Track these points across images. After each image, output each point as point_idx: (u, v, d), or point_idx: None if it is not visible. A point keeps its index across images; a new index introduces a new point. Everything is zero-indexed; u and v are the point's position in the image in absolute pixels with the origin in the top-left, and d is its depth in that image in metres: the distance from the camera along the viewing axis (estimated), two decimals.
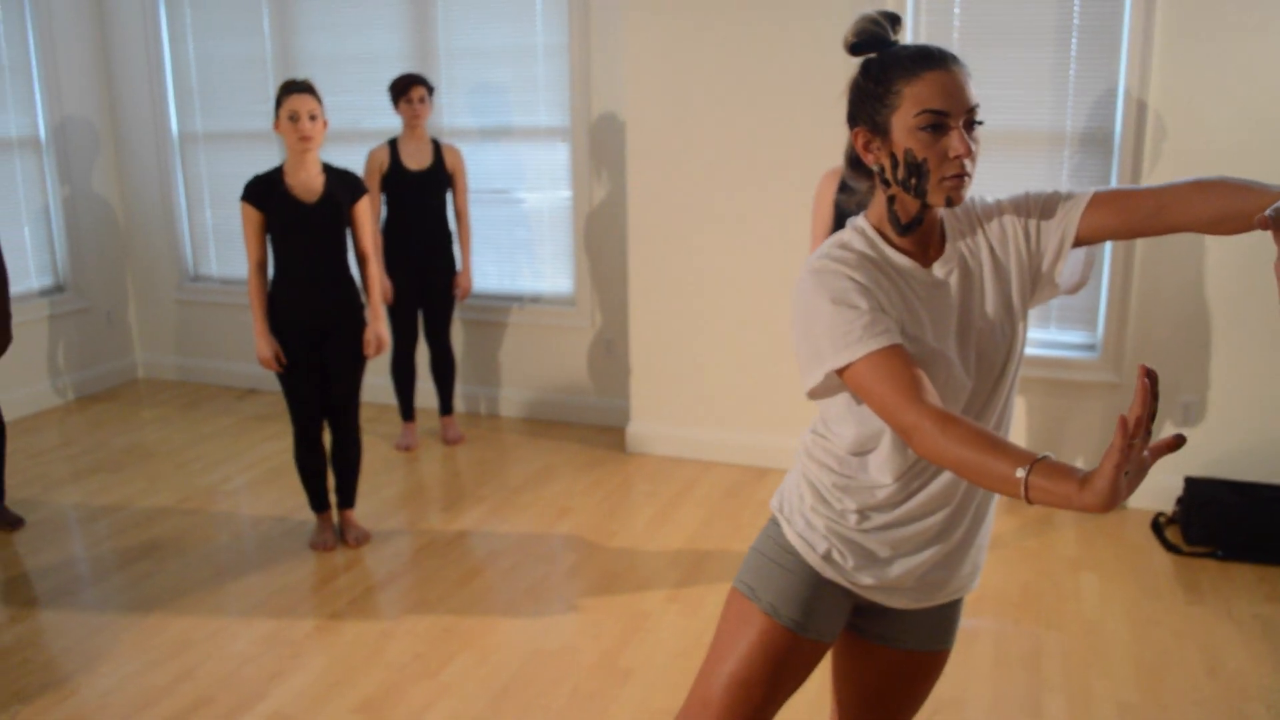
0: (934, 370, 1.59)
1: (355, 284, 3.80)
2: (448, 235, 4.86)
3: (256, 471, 4.73)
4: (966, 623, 3.33)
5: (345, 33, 5.41)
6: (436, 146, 4.77)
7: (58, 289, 5.82)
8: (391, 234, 4.77)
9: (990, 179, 4.19)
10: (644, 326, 4.77)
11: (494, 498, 4.42)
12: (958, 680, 3.00)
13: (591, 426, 5.28)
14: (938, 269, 1.64)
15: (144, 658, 3.21)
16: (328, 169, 3.69)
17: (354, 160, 4.78)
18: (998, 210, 1.69)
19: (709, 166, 4.49)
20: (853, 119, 1.64)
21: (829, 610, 1.74)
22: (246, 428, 5.35)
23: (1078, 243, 1.62)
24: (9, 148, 5.51)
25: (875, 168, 1.62)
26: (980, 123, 1.57)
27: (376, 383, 5.64)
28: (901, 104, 1.55)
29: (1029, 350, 4.23)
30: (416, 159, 4.72)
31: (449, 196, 4.86)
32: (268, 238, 3.66)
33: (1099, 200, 1.60)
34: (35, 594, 3.66)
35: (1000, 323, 1.65)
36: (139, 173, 6.03)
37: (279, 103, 3.56)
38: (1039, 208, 1.67)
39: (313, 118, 3.56)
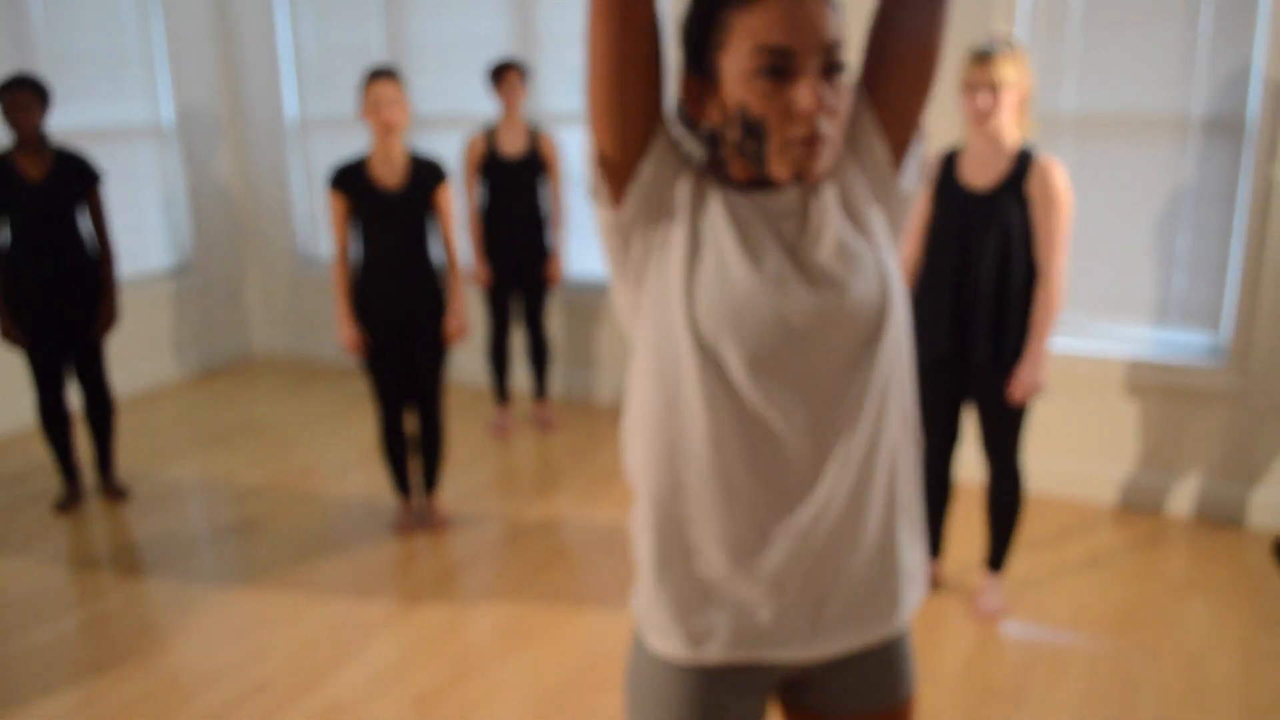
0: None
1: (438, 271, 3.80)
2: (542, 221, 4.83)
3: (352, 452, 4.82)
4: (1056, 637, 3.12)
5: (451, 17, 5.44)
6: (533, 134, 4.74)
7: (182, 269, 6.05)
8: (489, 220, 4.78)
9: (1107, 166, 3.90)
10: None
11: (583, 485, 4.38)
12: (1040, 710, 2.81)
13: None
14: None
15: (215, 636, 3.30)
16: (413, 157, 3.69)
17: (460, 145, 4.80)
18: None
19: None
20: (682, 62, 1.28)
21: (734, 709, 1.37)
22: (350, 406, 5.46)
23: (888, 123, 1.30)
24: (137, 135, 5.74)
25: (705, 130, 1.28)
26: (841, 68, 1.20)
27: (475, 366, 5.68)
28: (732, 39, 1.19)
29: (1143, 351, 3.93)
30: (513, 145, 4.70)
31: (544, 183, 4.83)
32: (353, 225, 3.70)
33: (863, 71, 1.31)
34: (128, 565, 3.81)
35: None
36: (258, 158, 6.21)
37: (363, 90, 3.58)
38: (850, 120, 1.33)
39: (394, 105, 3.56)
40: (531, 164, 4.73)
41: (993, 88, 2.88)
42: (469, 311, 5.54)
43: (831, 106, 1.19)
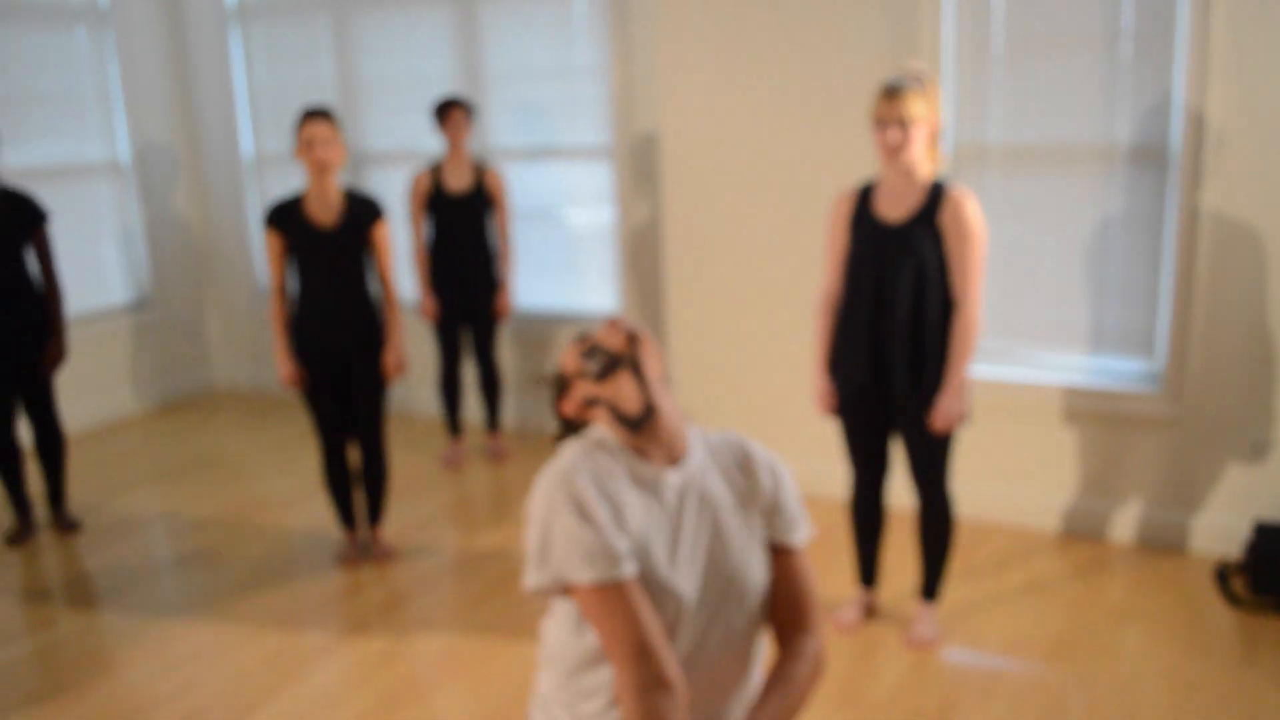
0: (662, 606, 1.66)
1: (376, 306, 3.84)
2: (490, 255, 4.88)
3: (304, 484, 4.83)
4: (989, 663, 3.15)
5: (399, 56, 5.51)
6: (478, 169, 4.80)
7: (140, 304, 6.08)
8: (436, 254, 4.83)
9: (1035, 196, 3.98)
10: (681, 344, 4.69)
11: (525, 517, 4.40)
12: None
13: None
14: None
15: (155, 666, 3.31)
16: (348, 194, 3.75)
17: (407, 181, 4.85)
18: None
19: (745, 183, 4.39)
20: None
21: None
22: (307, 439, 5.47)
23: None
24: (94, 172, 5.79)
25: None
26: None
27: (428, 398, 5.72)
28: None
29: (1079, 379, 3.99)
30: (458, 181, 4.76)
31: (490, 217, 4.88)
32: (290, 261, 3.74)
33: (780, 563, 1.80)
34: (77, 596, 3.82)
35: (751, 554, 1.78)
36: (216, 194, 6.26)
37: (297, 130, 3.63)
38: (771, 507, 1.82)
39: (327, 144, 3.61)
40: (477, 199, 4.79)
41: (902, 123, 2.94)
42: (419, 345, 5.58)
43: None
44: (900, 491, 4.11)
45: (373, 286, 3.85)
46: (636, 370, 1.70)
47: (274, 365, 6.16)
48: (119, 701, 3.12)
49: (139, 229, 6.02)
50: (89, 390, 5.74)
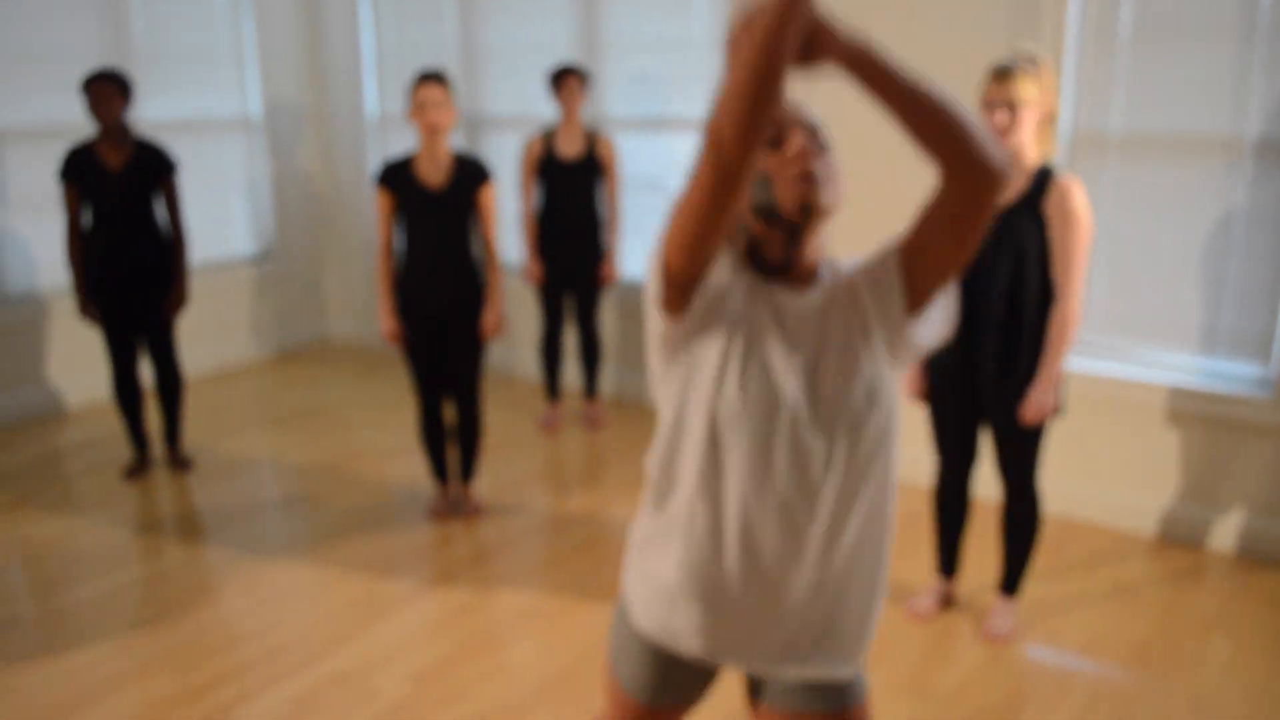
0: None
1: (478, 267, 3.93)
2: (597, 223, 4.93)
3: (403, 438, 4.99)
4: (1064, 663, 3.08)
5: (519, 21, 5.58)
6: (590, 137, 4.84)
7: (264, 256, 6.34)
8: (544, 219, 4.90)
9: (1156, 187, 3.82)
10: None
11: (617, 482, 4.47)
12: None
13: None
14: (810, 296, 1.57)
15: (247, 601, 3.49)
16: (458, 157, 3.83)
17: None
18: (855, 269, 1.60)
19: (850, 165, 4.31)
20: None
21: (680, 675, 1.69)
22: (409, 395, 5.65)
23: (910, 289, 1.52)
24: (226, 126, 6.04)
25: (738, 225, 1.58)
26: (826, 146, 1.54)
27: (530, 362, 5.82)
28: None
29: (1188, 379, 3.83)
30: (570, 148, 4.82)
31: (600, 185, 4.93)
32: (399, 220, 3.85)
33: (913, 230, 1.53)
34: (184, 531, 4.04)
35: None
36: (340, 151, 6.47)
37: (411, 92, 3.72)
38: (879, 261, 1.57)
39: (439, 107, 3.69)
40: (588, 166, 4.83)
41: (1010, 106, 2.86)
42: (524, 309, 5.67)
43: (819, 151, 1.49)
44: (987, 482, 4.03)
45: (476, 248, 3.93)
46: None
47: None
48: (210, 632, 3.30)
49: (265, 183, 6.26)
50: (210, 336, 6.03)
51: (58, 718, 2.87)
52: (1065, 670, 3.09)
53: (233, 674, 3.07)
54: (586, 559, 3.79)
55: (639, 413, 5.39)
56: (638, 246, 5.38)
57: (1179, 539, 3.91)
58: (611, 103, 5.38)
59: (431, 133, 3.71)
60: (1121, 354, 3.99)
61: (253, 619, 3.38)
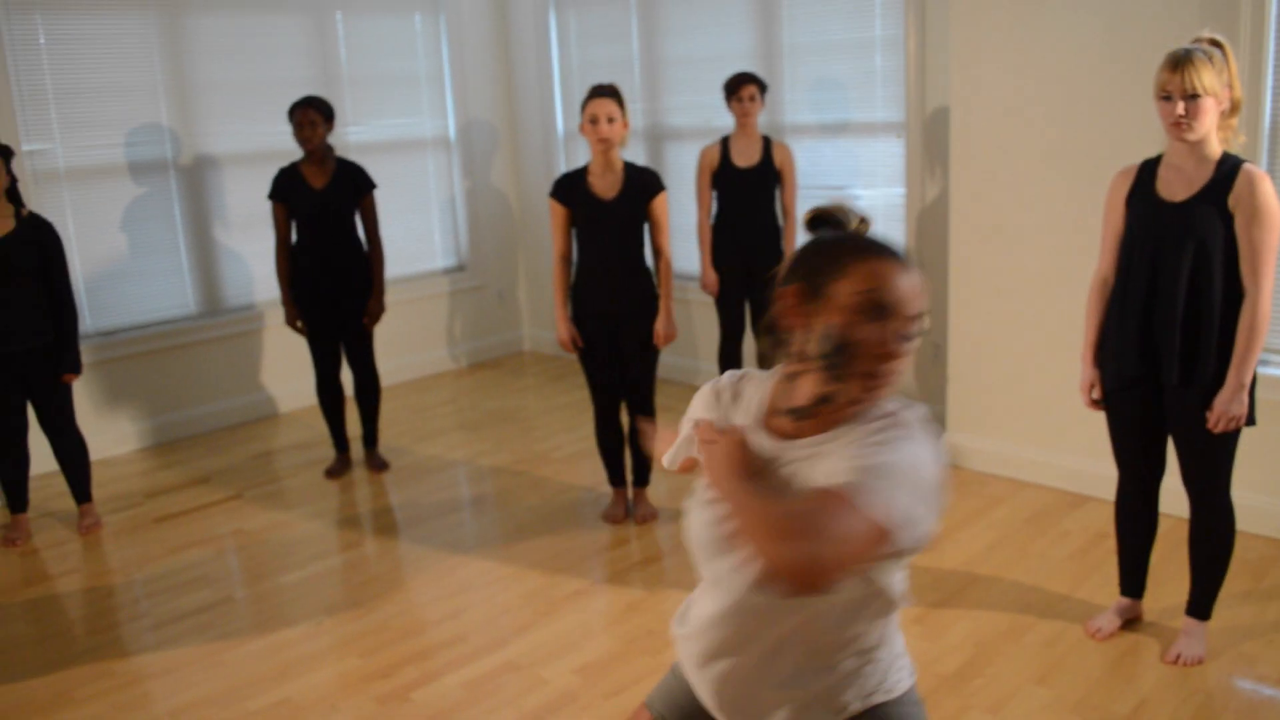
0: None
1: (650, 276, 4.02)
2: (775, 231, 4.95)
3: (586, 443, 5.14)
4: (1254, 692, 2.88)
5: (700, 34, 5.67)
6: (767, 143, 4.87)
7: (459, 269, 6.68)
8: (720, 228, 4.96)
9: None
10: (964, 332, 4.55)
11: None
12: None
13: None
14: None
15: (431, 593, 3.69)
16: (629, 167, 3.94)
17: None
18: None
19: (1036, 164, 4.18)
20: (793, 275, 1.51)
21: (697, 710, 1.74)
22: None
23: None
24: (424, 146, 6.41)
25: (792, 337, 1.50)
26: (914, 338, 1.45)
27: (707, 369, 5.89)
28: (852, 274, 1.44)
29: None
30: (746, 156, 4.86)
31: (777, 193, 4.94)
32: (573, 231, 3.99)
33: None
34: (379, 526, 4.32)
35: None
36: (530, 168, 6.74)
37: (583, 107, 3.86)
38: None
39: (611, 120, 3.81)
40: (765, 174, 4.86)
41: (1187, 95, 2.72)
42: (705, 319, 5.74)
43: (904, 356, 1.45)
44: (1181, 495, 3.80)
45: (649, 257, 4.03)
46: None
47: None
48: (398, 619, 3.52)
49: (460, 199, 6.60)
50: (410, 345, 6.39)
51: (257, 689, 3.13)
52: (1254, 700, 2.88)
53: (415, 658, 3.27)
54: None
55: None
56: None
57: None
58: (791, 110, 5.39)
59: (603, 146, 3.84)
60: None
61: (436, 609, 3.58)
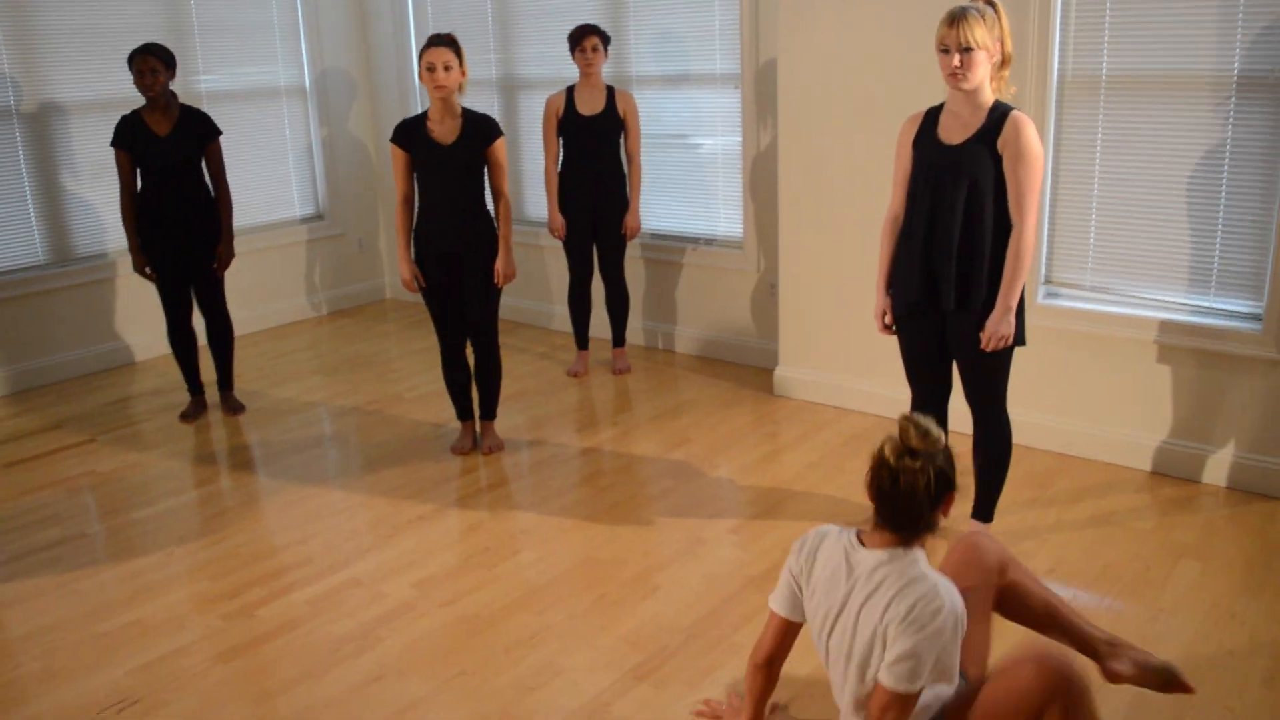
0: None
1: (490, 218, 4.20)
2: (620, 177, 5.17)
3: (440, 384, 5.31)
4: None
5: None
6: (610, 93, 5.08)
7: (317, 217, 6.74)
8: (567, 175, 5.16)
9: (1146, 126, 3.92)
10: (793, 271, 4.86)
11: (629, 423, 4.73)
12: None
13: (751, 367, 5.44)
14: None
15: (280, 522, 3.85)
16: (467, 114, 4.10)
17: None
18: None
19: (855, 113, 4.48)
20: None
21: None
22: None
23: None
24: (279, 95, 6.43)
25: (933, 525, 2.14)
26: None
27: (560, 311, 6.11)
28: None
29: (1181, 316, 3.93)
30: (590, 105, 5.06)
31: (622, 140, 5.16)
32: (414, 175, 4.14)
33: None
34: (233, 463, 4.43)
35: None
36: (388, 116, 6.81)
37: (420, 55, 4.00)
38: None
39: (448, 69, 3.95)
40: (609, 121, 5.07)
41: (961, 48, 3.02)
42: (555, 263, 5.94)
43: None
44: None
45: (488, 199, 4.21)
46: None
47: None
48: (247, 546, 3.68)
49: (317, 148, 6.64)
50: (269, 294, 6.45)
51: (108, 613, 3.26)
52: None
53: (263, 579, 3.43)
54: (592, 487, 4.07)
55: (663, 360, 5.64)
56: (662, 201, 5.60)
57: (1172, 473, 4.01)
58: (636, 62, 5.60)
59: (440, 93, 3.99)
60: (1114, 292, 4.10)
61: (285, 536, 3.74)
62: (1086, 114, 3.99)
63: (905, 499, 2.06)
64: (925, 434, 2.05)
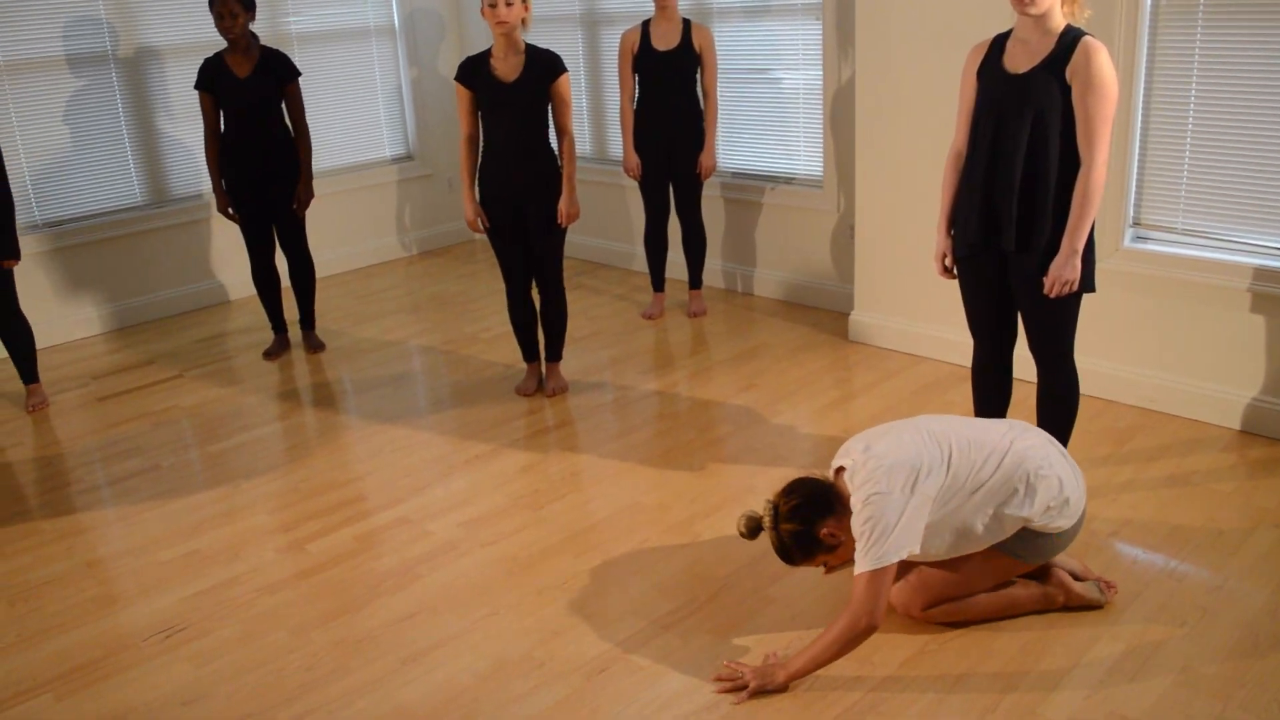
0: None
1: (554, 157, 4.16)
2: (696, 114, 5.05)
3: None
4: (1087, 540, 3.10)
5: None
6: (687, 26, 4.94)
7: (407, 158, 6.80)
8: (641, 112, 5.06)
9: (1247, 51, 3.61)
10: (871, 214, 4.68)
11: (697, 367, 4.67)
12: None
13: (830, 311, 5.30)
14: None
15: (341, 458, 3.95)
16: (530, 50, 4.04)
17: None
18: None
19: (935, 42, 4.26)
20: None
21: None
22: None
23: None
24: (368, 35, 6.47)
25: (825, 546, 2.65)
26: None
27: (641, 252, 6.04)
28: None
29: (1273, 263, 3.64)
30: (665, 40, 4.94)
31: (698, 76, 5.03)
32: (479, 114, 4.12)
33: None
34: (304, 401, 4.55)
35: None
36: None
37: None
38: None
39: (509, 4, 3.89)
40: (684, 57, 4.94)
41: None
42: (634, 202, 5.86)
43: None
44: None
45: (553, 138, 4.16)
46: None
47: None
48: (307, 481, 3.78)
49: (406, 88, 6.69)
50: (359, 234, 6.56)
51: (169, 544, 3.41)
52: (1087, 546, 3.09)
53: (316, 515, 3.53)
54: (650, 431, 4.04)
55: (741, 304, 5.54)
56: (740, 138, 5.46)
57: (1263, 432, 3.75)
58: None
59: (502, 28, 3.94)
60: (1209, 236, 3.82)
61: (344, 472, 3.83)
62: (1182, 38, 3.69)
63: (783, 557, 2.67)
64: (748, 518, 2.70)
